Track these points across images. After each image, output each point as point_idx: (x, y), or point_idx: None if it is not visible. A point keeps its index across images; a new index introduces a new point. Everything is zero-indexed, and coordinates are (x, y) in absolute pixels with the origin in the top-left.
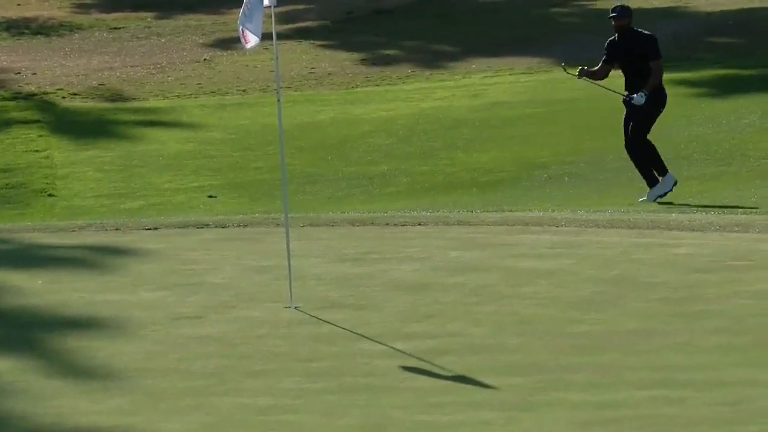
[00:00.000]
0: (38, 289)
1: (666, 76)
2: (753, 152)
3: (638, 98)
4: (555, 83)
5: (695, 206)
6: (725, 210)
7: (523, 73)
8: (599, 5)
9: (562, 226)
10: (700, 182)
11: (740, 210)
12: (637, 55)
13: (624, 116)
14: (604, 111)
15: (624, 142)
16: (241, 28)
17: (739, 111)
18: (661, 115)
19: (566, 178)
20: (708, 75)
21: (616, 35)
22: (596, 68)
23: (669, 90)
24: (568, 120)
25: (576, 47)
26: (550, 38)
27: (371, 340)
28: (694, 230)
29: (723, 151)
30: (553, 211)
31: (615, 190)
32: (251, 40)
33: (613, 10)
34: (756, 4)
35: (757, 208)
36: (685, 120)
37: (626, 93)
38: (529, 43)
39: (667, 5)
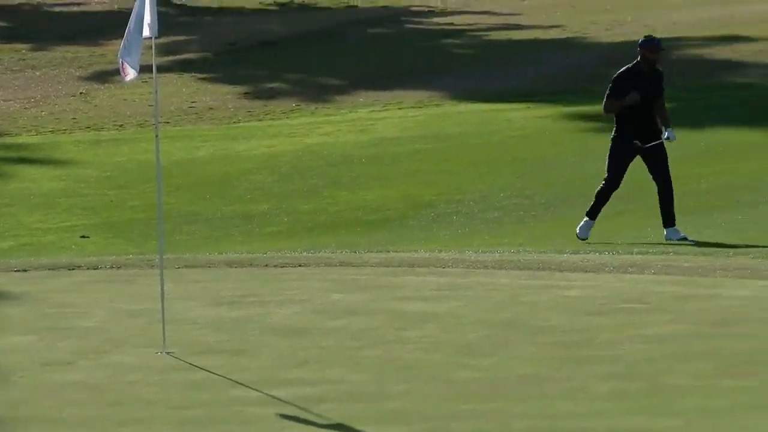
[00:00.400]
0: None
1: (564, 109)
2: (653, 189)
3: (672, 134)
4: (445, 117)
5: (589, 246)
6: (620, 250)
7: (413, 107)
8: (494, 36)
9: (449, 267)
10: (596, 221)
11: (636, 250)
12: (655, 93)
13: (622, 160)
14: (494, 147)
15: (609, 186)
16: (120, 60)
17: None
18: (558, 150)
19: (454, 217)
20: None
21: (643, 68)
22: (618, 103)
23: (566, 125)
24: (458, 156)
25: (469, 80)
26: (442, 70)
27: (247, 386)
28: (587, 271)
29: (621, 188)
30: (440, 251)
31: (505, 229)
32: (130, 72)
33: (655, 41)
34: (658, 34)
35: (655, 245)
36: (581, 156)
37: (638, 142)
38: (419, 75)
39: (565, 36)
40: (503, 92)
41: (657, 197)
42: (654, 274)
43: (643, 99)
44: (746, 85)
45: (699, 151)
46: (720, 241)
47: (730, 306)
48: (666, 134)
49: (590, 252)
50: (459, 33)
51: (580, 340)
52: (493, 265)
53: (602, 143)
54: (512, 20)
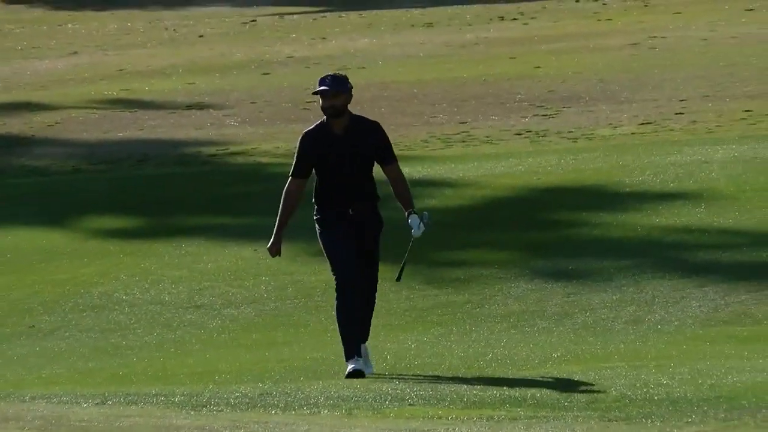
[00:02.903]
0: None
1: None
2: None
3: (415, 221)
4: None
5: None
6: None
7: None
8: None
9: None
10: None
11: None
12: (363, 156)
13: (341, 249)
14: None
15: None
16: None
17: None
18: None
19: None
20: None
21: (327, 124)
22: (284, 207)
23: None
24: None
25: None
26: None
27: None
28: None
29: None
30: None
31: None
32: None
33: (322, 81)
34: None
35: None
36: None
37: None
38: None
39: None
40: None
41: None
42: None
43: (338, 168)
44: (41, 169)
45: None
46: None
47: None
48: (412, 223)
49: None
50: None
51: None
52: None
53: None
54: None
